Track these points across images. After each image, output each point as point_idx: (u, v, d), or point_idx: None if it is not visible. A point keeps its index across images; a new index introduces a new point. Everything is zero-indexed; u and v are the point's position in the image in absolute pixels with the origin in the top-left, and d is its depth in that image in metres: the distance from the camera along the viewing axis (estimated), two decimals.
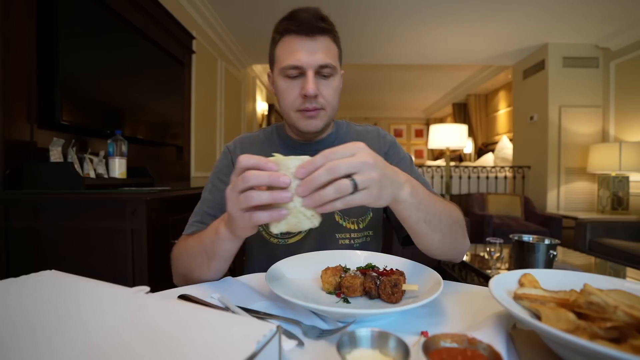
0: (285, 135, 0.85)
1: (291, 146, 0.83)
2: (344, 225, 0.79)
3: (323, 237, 0.78)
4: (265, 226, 0.75)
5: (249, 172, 0.43)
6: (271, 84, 0.80)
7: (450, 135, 3.69)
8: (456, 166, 4.42)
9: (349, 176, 0.41)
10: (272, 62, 0.77)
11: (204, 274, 0.61)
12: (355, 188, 0.41)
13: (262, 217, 0.43)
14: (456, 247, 0.62)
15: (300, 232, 0.77)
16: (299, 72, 0.70)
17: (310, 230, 0.76)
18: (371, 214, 0.82)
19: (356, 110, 8.34)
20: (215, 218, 0.75)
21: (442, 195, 4.06)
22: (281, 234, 0.77)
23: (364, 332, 0.34)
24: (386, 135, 0.89)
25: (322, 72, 0.71)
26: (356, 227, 0.80)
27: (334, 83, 0.74)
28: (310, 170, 0.42)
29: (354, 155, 0.42)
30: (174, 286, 0.60)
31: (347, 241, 0.79)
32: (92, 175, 1.47)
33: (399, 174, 0.49)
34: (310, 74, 0.69)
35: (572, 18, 3.19)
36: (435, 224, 0.55)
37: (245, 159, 0.44)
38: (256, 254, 0.82)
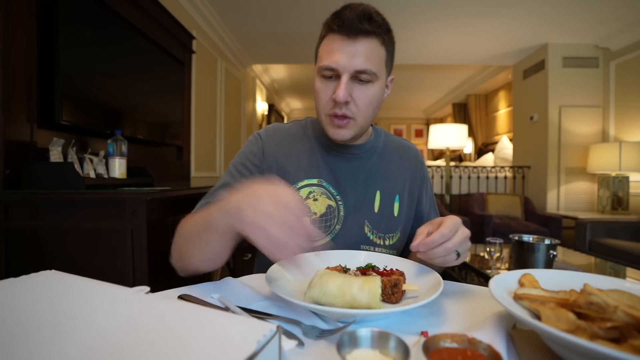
0: (321, 133, 0.80)
1: (326, 145, 0.80)
2: (371, 238, 0.78)
3: (349, 245, 0.75)
4: None
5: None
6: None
7: (450, 135, 3.69)
8: (456, 166, 4.42)
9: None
10: (315, 58, 0.74)
11: (198, 251, 0.58)
12: (458, 255, 0.55)
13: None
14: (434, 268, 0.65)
15: (327, 236, 0.76)
16: (334, 74, 0.67)
17: (337, 236, 0.76)
18: (399, 234, 0.80)
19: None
20: None
21: (442, 196, 4.06)
22: None
23: (364, 332, 0.34)
24: (423, 161, 0.88)
25: (359, 77, 0.66)
26: (382, 243, 0.79)
27: (371, 90, 0.68)
28: (430, 247, 0.53)
29: (457, 232, 0.54)
30: (174, 286, 0.60)
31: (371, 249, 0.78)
32: (92, 175, 1.47)
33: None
34: (344, 79, 0.65)
35: (572, 18, 3.19)
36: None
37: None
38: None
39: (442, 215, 0.70)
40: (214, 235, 0.53)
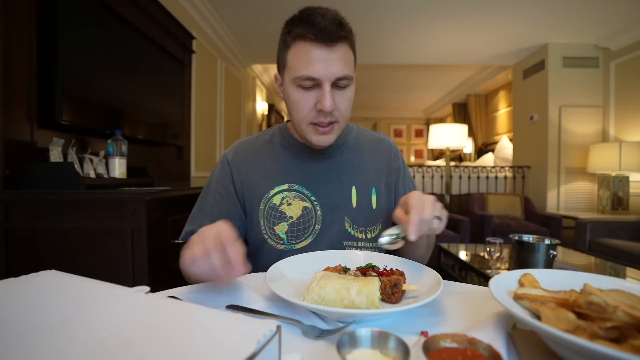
0: (289, 138, 0.82)
1: (295, 149, 0.81)
2: (352, 233, 0.79)
3: (331, 243, 0.77)
4: (272, 233, 0.76)
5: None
6: (278, 87, 0.76)
7: (450, 135, 3.69)
8: (456, 166, 4.42)
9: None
10: (281, 66, 0.72)
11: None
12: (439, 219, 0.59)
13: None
14: (420, 261, 0.68)
15: (307, 238, 0.77)
16: (314, 84, 0.66)
17: (319, 235, 0.77)
18: (380, 226, 0.81)
19: (356, 110, 8.34)
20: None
21: (442, 196, 4.06)
22: (287, 239, 0.77)
23: (364, 332, 0.34)
24: (397, 151, 0.89)
25: (338, 83, 0.67)
26: (364, 237, 0.79)
27: (349, 94, 0.70)
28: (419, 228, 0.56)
29: (425, 202, 0.58)
30: (174, 286, 0.60)
31: (354, 249, 0.78)
32: (92, 175, 1.47)
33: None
34: (327, 87, 0.65)
35: (572, 18, 3.19)
36: (422, 246, 0.73)
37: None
38: (263, 260, 0.78)
39: None
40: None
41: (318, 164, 0.80)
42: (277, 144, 0.83)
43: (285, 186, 0.78)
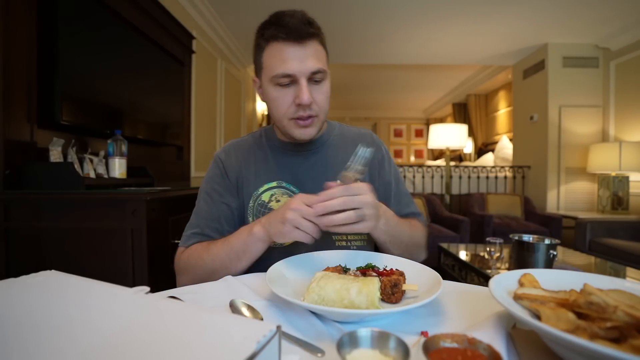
0: (274, 138, 0.85)
1: (281, 148, 0.84)
2: None
3: (321, 238, 0.77)
4: None
5: (328, 203, 0.57)
6: (257, 89, 0.79)
7: (450, 135, 3.69)
8: (456, 166, 4.42)
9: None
10: (258, 69, 0.75)
11: (226, 274, 0.66)
12: (358, 219, 0.58)
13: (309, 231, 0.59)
14: (413, 258, 0.69)
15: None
16: (291, 80, 0.69)
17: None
18: None
19: (356, 110, 8.34)
20: (217, 229, 0.78)
21: (442, 196, 4.06)
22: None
23: (364, 332, 0.34)
24: (380, 142, 0.91)
25: (314, 77, 0.70)
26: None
27: (325, 87, 0.73)
28: (328, 198, 0.57)
29: (361, 195, 0.58)
30: (174, 286, 0.61)
31: (343, 243, 0.80)
32: (92, 175, 1.47)
33: (381, 208, 0.67)
34: (303, 82, 0.68)
35: (572, 18, 3.19)
36: (397, 244, 0.74)
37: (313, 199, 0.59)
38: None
39: (411, 196, 0.89)
40: (249, 260, 0.68)
41: (304, 161, 0.83)
42: (264, 144, 0.86)
43: (274, 184, 0.81)
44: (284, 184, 0.81)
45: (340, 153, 0.85)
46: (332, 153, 0.85)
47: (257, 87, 0.78)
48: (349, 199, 0.57)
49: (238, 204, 0.81)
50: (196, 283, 0.66)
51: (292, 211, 0.58)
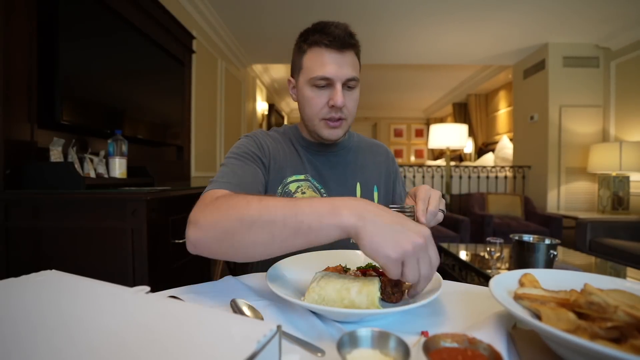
0: (299, 137, 0.90)
1: (307, 146, 0.89)
2: None
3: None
4: None
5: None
6: (291, 89, 0.85)
7: (450, 135, 3.69)
8: (456, 166, 4.42)
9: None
10: (296, 70, 0.81)
11: (263, 246, 0.49)
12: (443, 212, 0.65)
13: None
14: None
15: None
16: (327, 83, 0.75)
17: None
18: None
19: (357, 110, 8.31)
20: (249, 186, 0.69)
21: (442, 196, 4.06)
22: None
23: (364, 332, 0.34)
24: (393, 157, 1.00)
25: (348, 84, 0.76)
26: None
27: (355, 95, 0.79)
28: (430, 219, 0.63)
29: (431, 195, 0.66)
30: (173, 286, 0.60)
31: None
32: (93, 175, 1.47)
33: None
34: (338, 86, 0.74)
35: (573, 18, 3.18)
36: None
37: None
38: None
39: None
40: (309, 244, 0.47)
41: (326, 161, 0.88)
42: (292, 140, 0.90)
43: (302, 176, 0.85)
44: (310, 179, 0.85)
45: (358, 159, 0.92)
46: (351, 158, 0.92)
47: (291, 87, 0.85)
48: (433, 206, 0.64)
49: (265, 182, 0.80)
50: (220, 235, 0.50)
51: (429, 242, 0.44)
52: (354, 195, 0.88)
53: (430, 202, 0.64)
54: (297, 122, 0.95)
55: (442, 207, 0.66)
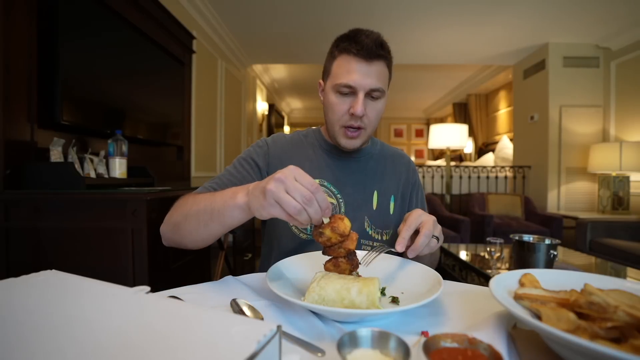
0: (321, 139, 0.91)
1: (327, 150, 0.89)
2: (370, 233, 0.85)
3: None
4: None
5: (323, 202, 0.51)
6: (320, 92, 0.87)
7: (450, 135, 3.68)
8: (456, 166, 4.42)
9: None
10: (326, 75, 0.82)
11: (195, 232, 0.63)
12: (437, 239, 0.63)
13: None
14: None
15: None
16: (351, 91, 0.76)
17: None
18: (392, 230, 0.88)
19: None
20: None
21: (443, 196, 4.06)
22: (311, 230, 0.81)
23: (364, 332, 0.34)
24: (415, 169, 0.99)
25: (371, 94, 0.76)
26: (380, 238, 0.86)
27: (379, 105, 0.79)
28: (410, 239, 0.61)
29: (423, 221, 0.62)
30: (173, 286, 0.60)
31: (369, 248, 0.83)
32: (93, 175, 1.47)
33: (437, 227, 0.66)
34: (360, 95, 0.75)
35: (573, 18, 3.18)
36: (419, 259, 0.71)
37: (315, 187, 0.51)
38: (284, 247, 0.83)
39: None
40: (221, 225, 0.60)
41: (346, 166, 0.88)
42: (311, 143, 0.91)
43: (317, 181, 0.84)
44: (325, 183, 0.85)
45: (379, 167, 0.92)
46: (372, 165, 0.91)
47: (320, 90, 0.86)
48: (429, 233, 0.61)
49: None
50: (171, 227, 0.67)
51: (276, 182, 0.49)
52: (370, 203, 0.86)
53: (422, 229, 0.60)
54: (320, 125, 0.96)
55: (437, 233, 0.62)
